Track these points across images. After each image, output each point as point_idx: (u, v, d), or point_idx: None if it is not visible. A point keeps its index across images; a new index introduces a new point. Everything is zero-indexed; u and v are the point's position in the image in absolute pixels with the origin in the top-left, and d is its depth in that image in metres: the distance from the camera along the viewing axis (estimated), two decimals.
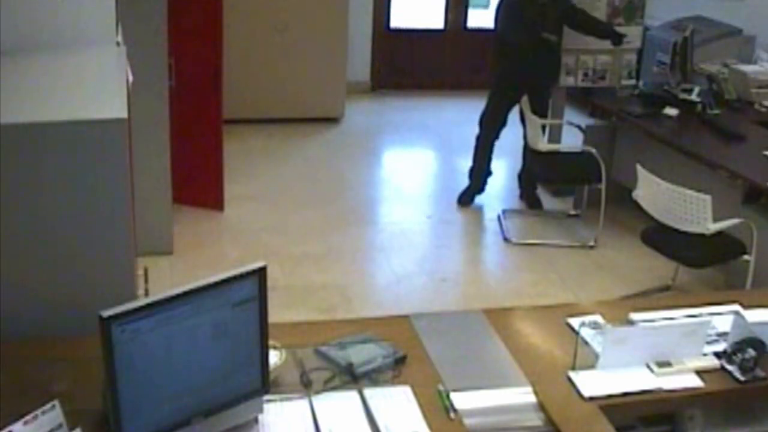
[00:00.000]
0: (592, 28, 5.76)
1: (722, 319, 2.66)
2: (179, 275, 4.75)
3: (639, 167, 4.58)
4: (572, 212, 6.00)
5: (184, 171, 5.28)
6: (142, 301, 1.91)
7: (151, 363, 1.90)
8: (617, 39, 5.74)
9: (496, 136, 5.98)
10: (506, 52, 5.83)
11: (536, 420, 2.27)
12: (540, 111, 5.78)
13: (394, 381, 2.33)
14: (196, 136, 5.45)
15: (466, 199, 6.10)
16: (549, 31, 5.59)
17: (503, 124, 5.93)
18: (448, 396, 2.27)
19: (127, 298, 2.04)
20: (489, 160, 6.07)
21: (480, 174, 6.10)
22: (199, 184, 5.61)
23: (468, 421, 2.20)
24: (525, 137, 5.87)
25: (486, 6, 9.43)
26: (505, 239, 5.58)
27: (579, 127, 6.03)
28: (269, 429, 2.13)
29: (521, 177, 6.24)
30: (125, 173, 2.41)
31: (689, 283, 4.93)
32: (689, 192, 4.23)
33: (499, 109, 5.91)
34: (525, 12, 5.60)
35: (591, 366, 2.43)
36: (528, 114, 5.62)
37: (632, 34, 6.06)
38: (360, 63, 8.48)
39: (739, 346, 2.45)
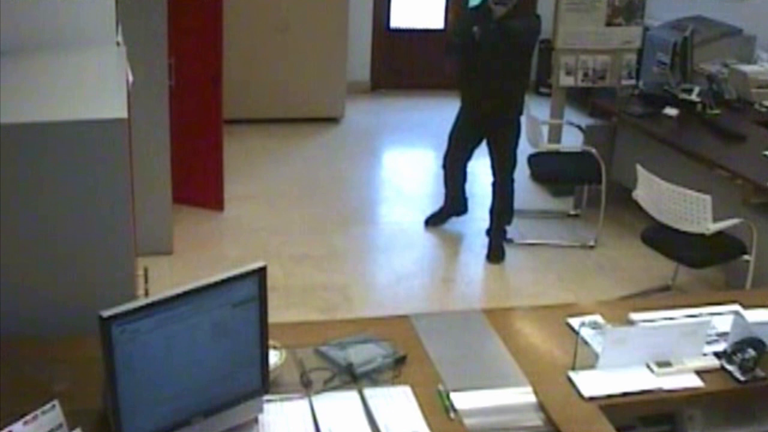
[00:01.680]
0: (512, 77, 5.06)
1: (722, 319, 2.66)
2: (179, 275, 4.75)
3: (639, 167, 4.58)
4: (572, 212, 6.00)
5: (184, 171, 5.28)
6: (142, 301, 1.91)
7: (151, 363, 1.90)
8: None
9: (468, 156, 5.56)
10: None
11: (536, 420, 2.27)
12: (495, 153, 5.35)
13: (394, 381, 2.33)
14: (196, 136, 5.46)
15: (435, 220, 5.71)
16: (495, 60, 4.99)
17: (473, 147, 5.51)
18: (448, 396, 2.27)
19: (127, 298, 2.04)
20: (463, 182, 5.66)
21: (456, 199, 5.71)
22: (199, 184, 5.62)
23: (468, 421, 2.20)
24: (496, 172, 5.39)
25: None
26: (506, 239, 5.57)
27: (579, 127, 6.03)
28: (269, 429, 2.13)
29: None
30: (125, 173, 2.41)
31: (689, 283, 4.93)
32: (689, 192, 4.23)
33: (461, 141, 5.51)
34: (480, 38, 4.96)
35: (591, 366, 2.43)
36: (527, 114, 5.62)
37: (632, 34, 6.07)
38: (360, 63, 8.48)
39: (739, 346, 2.45)
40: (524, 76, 5.21)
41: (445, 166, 5.65)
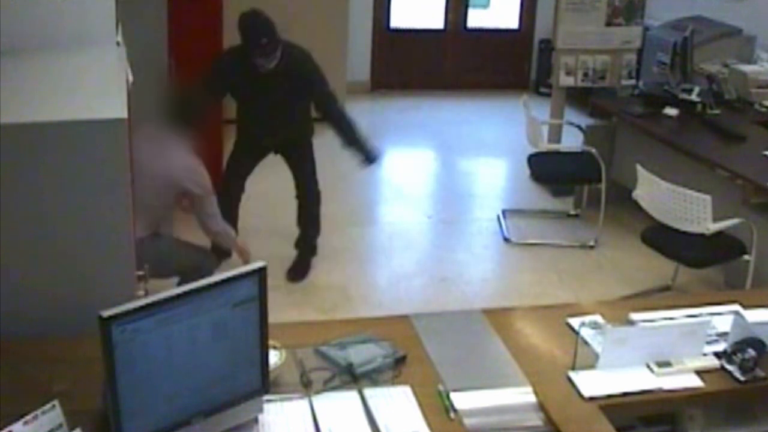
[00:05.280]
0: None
1: (722, 319, 2.66)
2: None
3: (639, 167, 4.58)
4: (572, 212, 6.00)
5: None
6: (142, 301, 1.90)
7: (151, 363, 1.90)
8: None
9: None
10: None
11: (536, 420, 2.27)
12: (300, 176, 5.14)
13: (394, 381, 2.33)
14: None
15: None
16: None
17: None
18: (448, 396, 2.27)
19: (127, 298, 2.04)
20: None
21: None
22: None
23: (468, 421, 2.20)
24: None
25: (486, 6, 9.44)
26: (505, 239, 5.58)
27: (579, 127, 6.03)
28: (269, 429, 2.13)
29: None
30: (125, 173, 2.41)
31: (689, 283, 4.93)
32: (689, 192, 4.23)
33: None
34: None
35: (591, 366, 2.43)
36: (527, 114, 5.63)
37: (632, 34, 6.08)
38: (360, 63, 8.48)
39: (739, 346, 2.45)
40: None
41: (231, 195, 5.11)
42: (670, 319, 2.65)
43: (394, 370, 2.37)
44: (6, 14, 2.82)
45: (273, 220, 5.68)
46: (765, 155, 4.75)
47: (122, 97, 2.50)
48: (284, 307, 4.39)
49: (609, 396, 2.32)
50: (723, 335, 2.56)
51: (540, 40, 8.81)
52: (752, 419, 2.53)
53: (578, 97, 6.92)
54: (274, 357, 2.28)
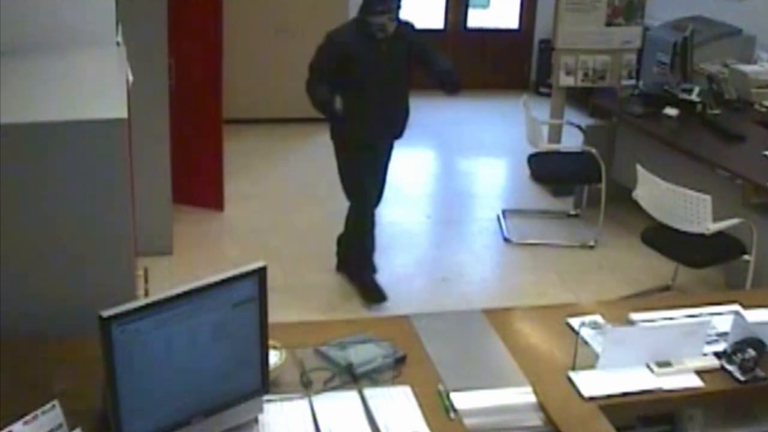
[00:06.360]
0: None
1: (722, 319, 2.66)
2: (179, 275, 4.74)
3: (639, 167, 4.58)
4: (572, 212, 6.00)
5: (184, 171, 5.28)
6: (142, 301, 1.91)
7: (151, 363, 1.90)
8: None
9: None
10: None
11: (536, 420, 2.27)
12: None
13: (394, 381, 2.33)
14: (196, 136, 5.46)
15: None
16: None
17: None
18: (448, 396, 2.27)
19: (127, 298, 2.04)
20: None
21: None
22: (199, 184, 5.61)
23: (468, 421, 2.20)
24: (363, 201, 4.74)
25: (486, 6, 9.44)
26: (505, 239, 5.58)
27: (579, 127, 6.03)
28: (269, 429, 2.13)
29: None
30: (125, 173, 2.41)
31: (689, 283, 4.93)
32: (689, 192, 4.23)
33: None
34: None
35: (591, 366, 2.43)
36: (527, 113, 5.63)
37: (632, 34, 6.07)
38: None
39: (739, 346, 2.45)
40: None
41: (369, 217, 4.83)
42: (670, 319, 2.65)
43: (394, 370, 2.37)
44: (6, 14, 2.82)
45: (274, 219, 5.68)
46: (765, 155, 4.75)
47: (122, 97, 2.50)
48: (284, 307, 4.38)
49: (609, 396, 2.32)
50: (723, 335, 2.56)
51: (540, 40, 8.80)
52: (752, 419, 2.53)
53: (578, 97, 6.92)
54: (274, 357, 2.28)
